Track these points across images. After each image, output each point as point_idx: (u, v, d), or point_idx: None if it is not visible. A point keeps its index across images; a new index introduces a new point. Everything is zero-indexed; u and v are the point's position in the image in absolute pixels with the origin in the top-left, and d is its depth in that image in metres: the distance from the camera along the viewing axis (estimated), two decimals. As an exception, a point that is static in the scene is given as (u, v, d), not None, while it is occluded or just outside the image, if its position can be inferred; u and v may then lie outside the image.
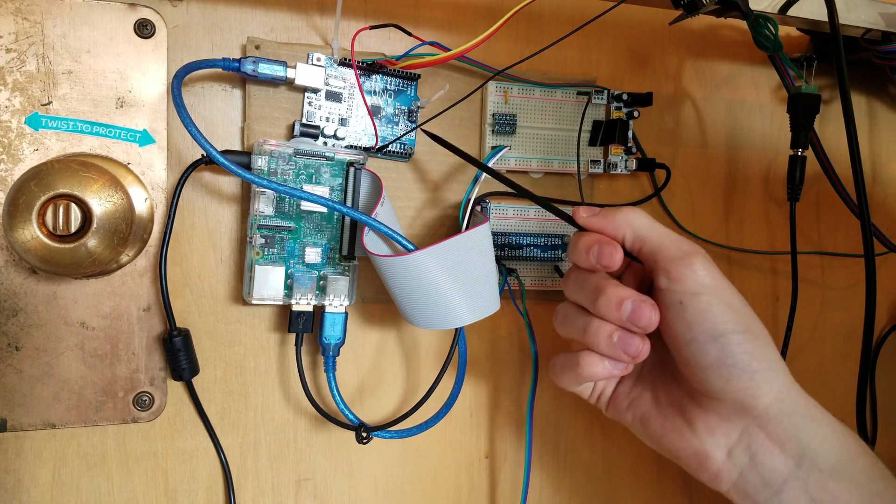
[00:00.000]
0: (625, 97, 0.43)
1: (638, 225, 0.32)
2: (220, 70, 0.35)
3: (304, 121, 0.37)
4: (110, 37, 0.35)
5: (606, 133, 0.43)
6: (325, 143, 0.37)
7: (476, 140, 0.42)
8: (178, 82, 0.32)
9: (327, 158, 0.36)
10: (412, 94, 0.39)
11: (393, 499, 0.42)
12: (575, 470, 0.45)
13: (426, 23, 0.41)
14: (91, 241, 0.31)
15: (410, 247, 0.34)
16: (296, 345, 0.37)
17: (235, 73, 0.35)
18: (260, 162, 0.35)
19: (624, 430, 0.46)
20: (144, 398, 0.36)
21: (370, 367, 0.41)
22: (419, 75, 0.39)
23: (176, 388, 0.37)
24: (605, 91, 0.43)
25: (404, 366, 0.42)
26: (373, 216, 0.34)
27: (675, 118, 0.47)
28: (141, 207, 0.34)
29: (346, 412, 0.37)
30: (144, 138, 0.35)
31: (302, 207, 0.36)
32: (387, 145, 0.39)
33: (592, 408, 0.45)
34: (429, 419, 0.38)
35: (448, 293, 0.34)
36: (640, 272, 0.35)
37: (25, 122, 0.33)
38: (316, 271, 0.36)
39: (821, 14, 0.40)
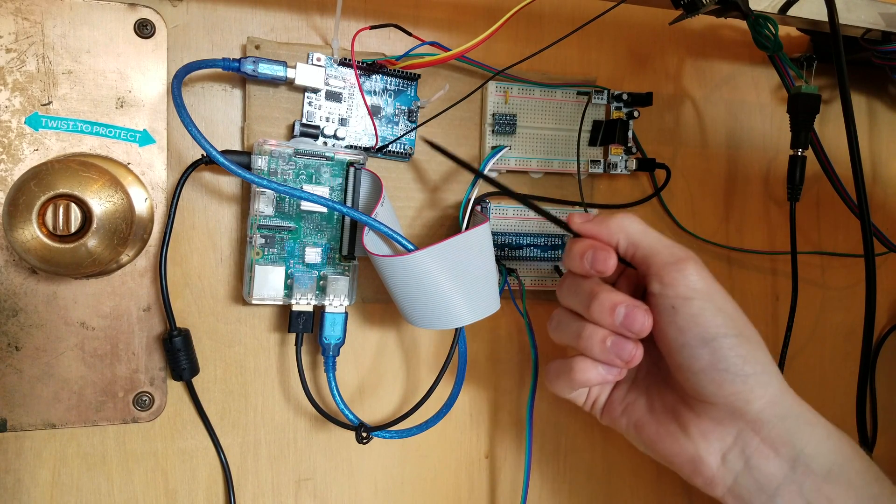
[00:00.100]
0: (625, 97, 0.43)
1: (631, 230, 0.33)
2: (220, 70, 0.35)
3: (304, 121, 0.37)
4: (110, 37, 0.35)
5: (606, 133, 0.43)
6: (325, 143, 0.37)
7: (476, 140, 0.42)
8: (178, 82, 0.32)
9: (327, 158, 0.36)
10: (412, 94, 0.39)
11: (393, 499, 0.42)
12: (575, 470, 0.45)
13: (426, 23, 0.41)
14: (91, 241, 0.31)
15: (410, 247, 0.34)
16: (296, 345, 0.37)
17: (235, 73, 0.35)
18: (260, 162, 0.35)
19: (624, 430, 0.46)
20: (144, 398, 0.36)
21: (370, 367, 0.41)
22: (419, 75, 0.39)
23: (176, 388, 0.37)
24: (605, 91, 0.43)
25: (404, 366, 0.42)
26: (373, 216, 0.34)
27: (675, 118, 0.47)
28: (141, 207, 0.34)
29: (346, 412, 0.37)
30: (144, 138, 0.35)
31: (302, 207, 0.36)
32: (387, 145, 0.39)
33: (592, 408, 0.45)
34: (429, 419, 0.38)
35: (448, 293, 0.34)
36: (635, 278, 0.35)
37: (25, 122, 0.33)
38: (316, 271, 0.36)
39: (821, 14, 0.40)
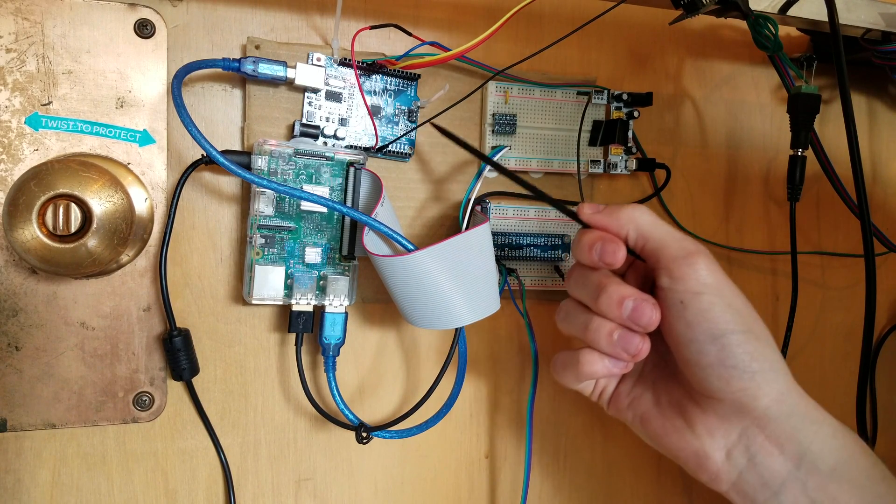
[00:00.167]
0: (625, 97, 0.43)
1: (642, 222, 0.32)
2: (220, 70, 0.35)
3: (304, 121, 0.37)
4: (110, 37, 0.35)
5: (606, 133, 0.43)
6: (325, 143, 0.37)
7: (476, 140, 0.42)
8: (178, 82, 0.32)
9: (327, 158, 0.36)
10: (412, 94, 0.39)
11: (393, 499, 0.42)
12: (575, 470, 0.45)
13: (426, 23, 0.41)
14: (91, 241, 0.31)
15: (410, 247, 0.34)
16: (296, 345, 0.37)
17: (235, 73, 0.35)
18: (260, 162, 0.35)
19: (624, 429, 0.46)
20: (144, 398, 0.36)
21: (370, 367, 0.41)
22: (419, 75, 0.39)
23: (176, 388, 0.37)
24: (605, 91, 0.43)
25: (404, 366, 0.42)
26: (373, 216, 0.34)
27: (675, 118, 0.47)
28: (141, 207, 0.34)
29: (346, 412, 0.37)
30: (144, 138, 0.35)
31: (302, 207, 0.36)
32: (387, 145, 0.39)
33: (592, 408, 0.45)
34: (429, 419, 0.38)
35: (448, 293, 0.34)
36: (644, 270, 0.35)
37: (25, 122, 0.33)
38: (316, 271, 0.36)
39: (821, 14, 0.40)
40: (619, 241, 0.32)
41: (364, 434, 0.37)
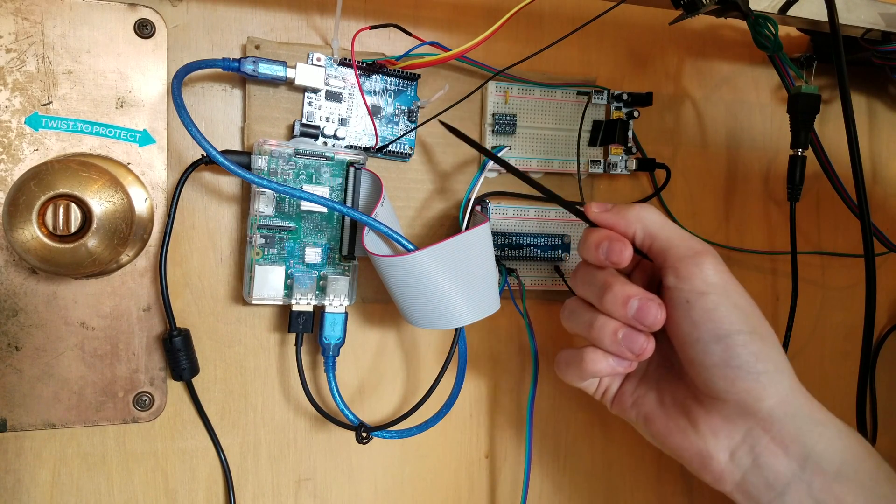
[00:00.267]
0: (625, 97, 0.43)
1: (649, 222, 0.32)
2: (220, 70, 0.35)
3: (304, 121, 0.37)
4: (110, 37, 0.35)
5: (606, 133, 0.43)
6: (325, 143, 0.37)
7: (476, 140, 0.42)
8: (178, 82, 0.32)
9: (327, 158, 0.36)
10: (412, 94, 0.39)
11: (393, 499, 0.42)
12: (575, 470, 0.45)
13: (426, 23, 0.41)
14: (91, 241, 0.31)
15: (410, 247, 0.34)
16: (296, 345, 0.37)
17: (235, 73, 0.35)
18: (260, 162, 0.35)
19: (624, 429, 0.46)
20: (144, 398, 0.36)
21: (370, 367, 0.41)
22: (419, 75, 0.39)
23: (176, 388, 0.37)
24: (605, 91, 0.43)
25: (404, 366, 0.42)
26: (373, 216, 0.34)
27: (675, 118, 0.47)
28: (141, 207, 0.34)
29: (346, 412, 0.37)
30: (144, 138, 0.35)
31: (302, 207, 0.36)
32: (387, 145, 0.39)
33: (592, 408, 0.45)
34: (429, 419, 0.38)
35: (448, 293, 0.34)
36: (650, 270, 0.35)
37: (25, 122, 0.33)
38: (316, 271, 0.36)
39: (821, 14, 0.40)
40: (626, 241, 0.32)
41: (364, 434, 0.37)
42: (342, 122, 0.38)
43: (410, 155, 0.40)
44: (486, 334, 0.43)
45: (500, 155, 0.40)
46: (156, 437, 0.37)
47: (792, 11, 0.40)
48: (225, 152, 0.34)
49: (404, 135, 0.39)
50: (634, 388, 0.36)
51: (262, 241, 0.35)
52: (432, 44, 0.38)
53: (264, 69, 0.35)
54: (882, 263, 0.53)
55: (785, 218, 0.48)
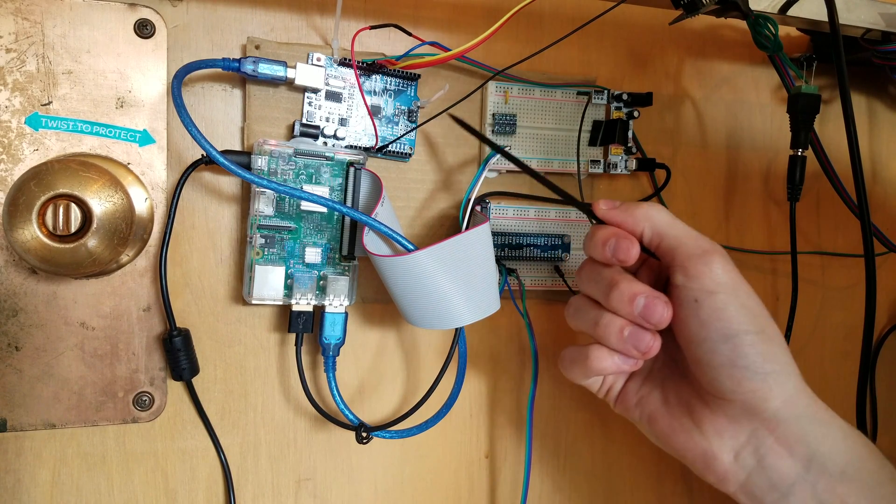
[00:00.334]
0: (625, 97, 0.43)
1: (657, 220, 0.32)
2: (220, 70, 0.35)
3: (304, 121, 0.37)
4: (110, 37, 0.35)
5: (606, 133, 0.43)
6: (325, 143, 0.37)
7: (476, 140, 0.42)
8: (178, 82, 0.32)
9: (327, 158, 0.36)
10: (412, 94, 0.39)
11: (393, 499, 0.42)
12: (575, 470, 0.45)
13: (426, 23, 0.41)
14: (91, 241, 0.31)
15: (410, 247, 0.34)
16: (296, 345, 0.37)
17: (235, 73, 0.35)
18: (260, 162, 0.35)
19: (624, 430, 0.46)
20: (144, 398, 0.36)
21: (370, 367, 0.41)
22: (419, 75, 0.39)
23: (176, 388, 0.37)
24: (605, 91, 0.43)
25: (404, 366, 0.42)
26: (373, 216, 0.34)
27: (675, 118, 0.47)
28: (141, 207, 0.34)
29: (346, 412, 0.37)
30: (144, 138, 0.35)
31: (302, 207, 0.36)
32: (387, 145, 0.39)
33: (593, 408, 0.45)
34: (429, 419, 0.38)
35: (448, 293, 0.34)
36: (657, 269, 0.35)
37: (25, 122, 0.33)
38: (316, 271, 0.36)
39: (821, 14, 0.40)
40: (634, 239, 0.32)
41: (364, 434, 0.37)
42: (342, 122, 0.38)
43: (410, 155, 0.40)
44: (486, 334, 0.43)
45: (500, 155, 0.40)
46: (156, 437, 0.37)
47: (792, 11, 0.40)
48: (225, 152, 0.34)
49: (404, 135, 0.39)
50: (639, 387, 0.36)
51: (262, 241, 0.35)
52: (432, 44, 0.38)
53: (264, 69, 0.35)
54: (882, 263, 0.53)
55: (785, 218, 0.48)
